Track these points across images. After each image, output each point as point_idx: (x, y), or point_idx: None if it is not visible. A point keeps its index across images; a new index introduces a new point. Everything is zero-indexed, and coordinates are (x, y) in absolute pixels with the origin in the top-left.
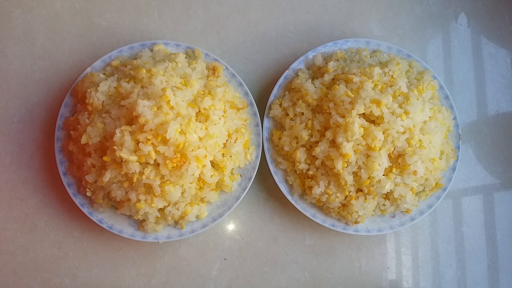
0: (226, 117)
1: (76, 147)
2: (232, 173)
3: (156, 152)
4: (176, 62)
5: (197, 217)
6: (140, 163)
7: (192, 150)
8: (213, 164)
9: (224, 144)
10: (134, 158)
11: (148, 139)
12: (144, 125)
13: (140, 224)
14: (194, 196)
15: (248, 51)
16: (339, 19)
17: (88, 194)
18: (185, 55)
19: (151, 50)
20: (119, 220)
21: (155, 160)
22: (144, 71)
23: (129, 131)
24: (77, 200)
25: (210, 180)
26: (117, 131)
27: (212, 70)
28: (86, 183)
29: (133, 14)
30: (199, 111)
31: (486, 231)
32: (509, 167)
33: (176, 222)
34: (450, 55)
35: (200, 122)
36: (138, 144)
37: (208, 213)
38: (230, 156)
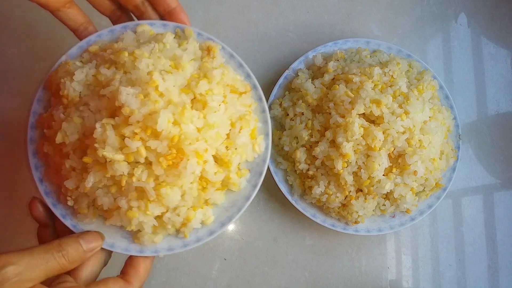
0: (227, 103)
1: (52, 148)
2: (239, 169)
3: (147, 148)
4: (163, 43)
5: (202, 222)
6: (129, 163)
7: (190, 143)
8: (216, 159)
9: (227, 135)
10: (120, 157)
11: (136, 133)
12: (129, 116)
13: (135, 235)
14: (197, 198)
15: (248, 51)
16: (339, 19)
17: (70, 203)
18: (174, 35)
19: (135, 32)
20: (109, 232)
21: (146, 158)
22: (127, 54)
23: (112, 124)
24: (58, 211)
25: (214, 178)
26: (98, 125)
27: (207, 51)
28: (66, 190)
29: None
30: (194, 98)
31: (486, 231)
32: (509, 167)
33: (177, 231)
34: (450, 55)
35: (196, 110)
36: (124, 139)
37: (215, 217)
38: (235, 149)
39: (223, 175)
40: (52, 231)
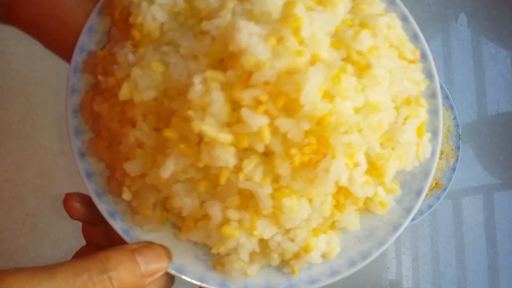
0: (393, 74)
1: (108, 107)
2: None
3: (273, 129)
4: None
5: (323, 255)
6: (237, 149)
7: (346, 131)
8: (367, 163)
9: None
10: (227, 137)
11: (260, 102)
12: (253, 71)
13: (217, 259)
14: (325, 219)
15: None
16: None
17: (126, 196)
18: None
19: None
20: (178, 248)
21: (267, 147)
22: None
23: (220, 82)
24: (103, 205)
25: (359, 192)
26: (196, 79)
27: None
28: (124, 176)
29: None
30: (347, 57)
31: (486, 231)
32: (509, 167)
33: (283, 262)
34: (450, 55)
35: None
36: (237, 110)
37: (341, 249)
38: (393, 149)
39: (373, 188)
40: (103, 230)
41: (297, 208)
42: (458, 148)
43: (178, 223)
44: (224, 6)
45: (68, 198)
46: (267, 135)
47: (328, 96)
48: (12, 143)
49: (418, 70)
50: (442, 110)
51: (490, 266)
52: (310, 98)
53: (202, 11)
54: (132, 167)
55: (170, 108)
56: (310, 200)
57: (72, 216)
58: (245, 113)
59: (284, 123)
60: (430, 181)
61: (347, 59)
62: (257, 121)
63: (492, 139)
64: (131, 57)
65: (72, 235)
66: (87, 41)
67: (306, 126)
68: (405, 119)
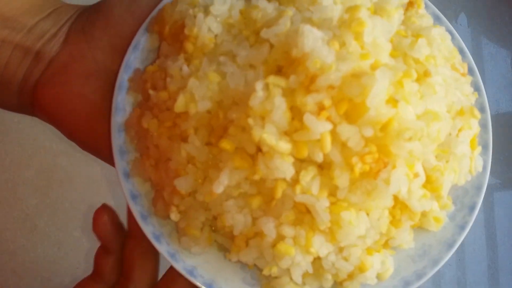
0: (447, 83)
1: (158, 122)
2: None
3: (333, 137)
4: None
5: (377, 276)
6: (295, 160)
7: (409, 138)
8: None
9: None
10: (286, 146)
11: (324, 107)
12: (318, 75)
13: (267, 285)
14: (380, 236)
15: None
16: None
17: (174, 217)
18: None
19: None
20: (225, 272)
21: (324, 157)
22: None
23: (281, 87)
24: (149, 228)
25: (417, 205)
26: (258, 86)
27: (408, 2)
28: (173, 195)
29: None
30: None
31: (486, 231)
32: (509, 167)
33: (335, 285)
34: None
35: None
36: (296, 119)
37: (395, 269)
38: (447, 162)
39: (430, 202)
40: (115, 261)
41: (355, 223)
42: None
43: (226, 244)
44: (282, 15)
45: (101, 209)
46: (328, 143)
47: (392, 101)
48: (12, 143)
49: (468, 83)
50: (490, 124)
51: (490, 266)
52: (376, 101)
53: (258, 22)
54: (182, 184)
55: (226, 118)
56: (368, 215)
57: (95, 228)
58: (308, 118)
59: (345, 130)
60: (482, 196)
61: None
62: (320, 127)
63: (492, 139)
64: (185, 69)
65: (72, 235)
66: (132, 59)
67: (369, 132)
68: (459, 130)
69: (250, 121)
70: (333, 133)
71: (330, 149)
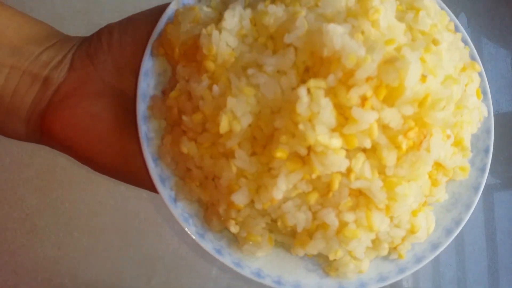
0: (450, 45)
1: (196, 145)
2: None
3: (381, 123)
4: None
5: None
6: (348, 151)
7: (443, 107)
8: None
9: None
10: (338, 142)
11: (366, 98)
12: (355, 70)
13: (329, 266)
14: (425, 197)
15: None
16: None
17: (233, 229)
18: None
19: None
20: (288, 266)
21: (373, 142)
22: None
23: (323, 89)
24: (209, 245)
25: (450, 163)
26: (302, 91)
27: None
28: (229, 210)
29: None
30: (413, 39)
31: (486, 231)
32: (509, 167)
33: (390, 249)
34: None
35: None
36: (344, 112)
37: (436, 222)
38: (461, 116)
39: (459, 157)
40: None
41: (409, 193)
42: None
43: (285, 240)
44: (296, 16)
45: None
46: (376, 130)
47: (422, 77)
48: (12, 143)
49: (459, 39)
50: (484, 71)
51: (490, 266)
52: (413, 81)
53: (270, 27)
54: (240, 198)
55: (268, 128)
56: (416, 182)
57: None
58: (356, 112)
59: (388, 114)
60: (493, 137)
61: (413, 40)
62: (368, 117)
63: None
64: (216, 88)
65: (72, 235)
66: (145, 87)
67: (409, 111)
68: (466, 85)
69: (301, 126)
70: (378, 120)
71: (377, 135)
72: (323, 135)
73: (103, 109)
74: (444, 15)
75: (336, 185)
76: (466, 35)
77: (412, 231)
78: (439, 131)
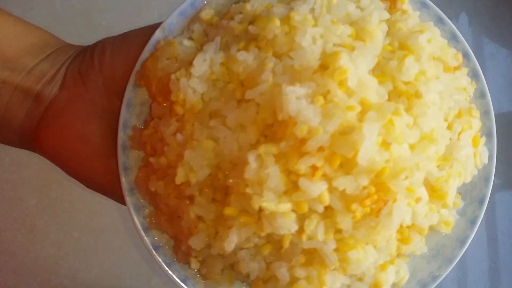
0: (441, 93)
1: (164, 185)
2: None
3: (331, 189)
4: None
5: (393, 285)
6: (297, 214)
7: (406, 176)
8: (427, 188)
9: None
10: (287, 207)
11: (317, 168)
12: (307, 139)
13: None
14: (392, 254)
15: None
16: None
17: (194, 266)
18: None
19: None
20: None
21: (326, 206)
22: (278, 22)
23: (273, 154)
24: (175, 274)
25: (424, 222)
26: (251, 157)
27: (389, 1)
28: (190, 250)
29: (133, 14)
30: (394, 89)
31: (487, 232)
32: (510, 167)
33: None
34: None
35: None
36: (291, 175)
37: (410, 274)
38: (450, 167)
39: (436, 215)
40: None
41: (363, 258)
42: None
43: (246, 281)
44: (264, 68)
45: None
46: (326, 198)
47: (384, 144)
48: None
49: (464, 75)
50: (492, 110)
51: (491, 267)
52: (368, 155)
53: (240, 74)
54: (196, 243)
55: (222, 182)
56: (375, 246)
57: None
58: (303, 183)
59: (341, 182)
60: (491, 186)
61: (394, 91)
62: (316, 189)
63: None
64: (179, 137)
65: (71, 235)
66: (128, 117)
67: (364, 181)
68: (459, 133)
69: (249, 190)
70: (330, 188)
71: (329, 201)
72: (269, 201)
73: (93, 132)
74: (445, 48)
75: (286, 244)
76: (476, 64)
77: (375, 286)
78: (403, 198)
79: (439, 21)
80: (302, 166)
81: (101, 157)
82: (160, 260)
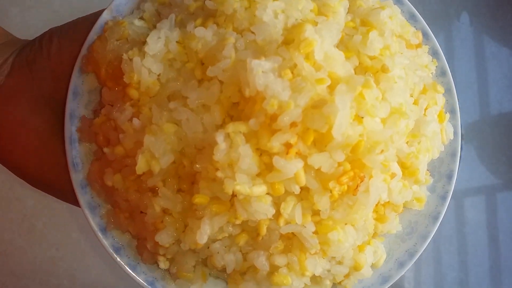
0: (406, 68)
1: (121, 177)
2: None
3: (306, 168)
4: None
5: (372, 266)
6: (273, 197)
7: (382, 150)
8: (398, 165)
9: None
10: (262, 189)
11: (291, 145)
12: (278, 114)
13: None
14: (369, 235)
15: None
16: None
17: (163, 265)
18: None
19: None
20: None
21: (302, 187)
22: None
23: (243, 133)
24: (141, 276)
25: (399, 199)
26: (219, 137)
27: None
28: (156, 247)
29: None
30: (360, 64)
31: (489, 232)
32: (511, 167)
33: (335, 284)
34: (452, 54)
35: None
36: (264, 155)
37: (387, 253)
38: (419, 143)
39: (410, 191)
40: None
41: (344, 239)
42: (461, 148)
43: (222, 276)
44: (224, 43)
45: None
46: (303, 178)
47: (357, 118)
48: None
49: (425, 52)
50: (454, 87)
51: (492, 268)
52: (342, 129)
53: (199, 52)
54: (164, 238)
55: (192, 166)
56: (353, 225)
57: None
58: (278, 162)
59: (317, 159)
60: (458, 161)
61: (360, 66)
62: (292, 167)
63: (494, 139)
64: (136, 122)
65: (70, 236)
66: (75, 107)
67: (340, 157)
68: (426, 109)
69: (220, 174)
70: (305, 166)
71: (305, 181)
72: (242, 184)
73: (41, 123)
74: (406, 25)
75: (263, 231)
76: (436, 43)
77: (356, 268)
78: (379, 173)
79: (397, 2)
80: (275, 143)
81: (49, 150)
82: (122, 262)
